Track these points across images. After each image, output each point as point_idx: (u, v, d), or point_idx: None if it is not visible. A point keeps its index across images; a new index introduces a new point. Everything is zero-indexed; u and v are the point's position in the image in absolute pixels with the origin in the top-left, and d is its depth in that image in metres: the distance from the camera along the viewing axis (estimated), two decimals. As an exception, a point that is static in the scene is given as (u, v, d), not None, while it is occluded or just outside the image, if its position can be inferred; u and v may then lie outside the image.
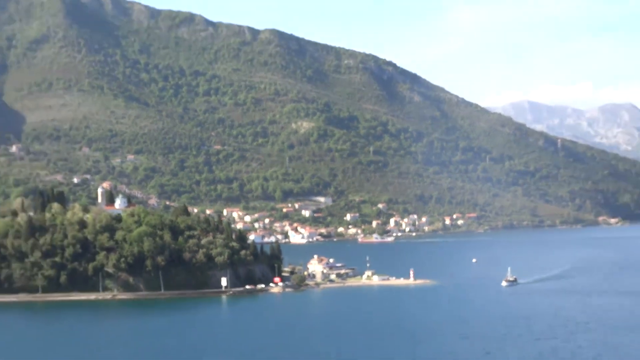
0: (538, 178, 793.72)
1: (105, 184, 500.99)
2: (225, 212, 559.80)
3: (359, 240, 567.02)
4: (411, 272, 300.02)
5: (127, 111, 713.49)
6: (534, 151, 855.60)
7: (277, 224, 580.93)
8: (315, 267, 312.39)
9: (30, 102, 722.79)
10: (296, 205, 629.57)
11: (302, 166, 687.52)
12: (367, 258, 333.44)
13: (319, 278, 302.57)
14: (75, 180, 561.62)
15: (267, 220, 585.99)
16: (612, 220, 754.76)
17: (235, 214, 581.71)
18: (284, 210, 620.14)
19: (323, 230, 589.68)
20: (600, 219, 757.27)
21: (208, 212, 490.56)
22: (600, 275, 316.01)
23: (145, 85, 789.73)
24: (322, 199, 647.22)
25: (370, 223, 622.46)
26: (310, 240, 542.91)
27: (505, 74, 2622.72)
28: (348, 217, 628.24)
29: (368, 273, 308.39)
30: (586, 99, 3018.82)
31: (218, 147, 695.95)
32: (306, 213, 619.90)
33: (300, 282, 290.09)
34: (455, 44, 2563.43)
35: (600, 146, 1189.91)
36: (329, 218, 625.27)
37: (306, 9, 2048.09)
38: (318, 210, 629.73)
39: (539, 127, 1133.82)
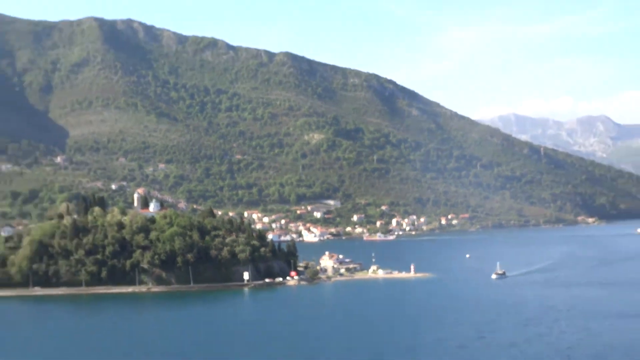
0: (523, 182, 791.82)
1: (140, 190, 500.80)
2: (245, 214, 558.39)
3: (365, 238, 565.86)
4: (412, 267, 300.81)
5: (158, 125, 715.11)
6: (520, 159, 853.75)
7: (292, 224, 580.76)
8: (326, 262, 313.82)
9: (72, 118, 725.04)
10: (309, 208, 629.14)
11: (314, 173, 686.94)
12: (373, 254, 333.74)
13: (330, 272, 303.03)
14: (113, 186, 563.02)
15: (283, 221, 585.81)
16: (590, 220, 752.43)
17: (254, 216, 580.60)
18: (298, 212, 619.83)
19: (333, 230, 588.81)
20: (579, 218, 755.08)
21: (231, 214, 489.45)
22: (580, 269, 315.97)
23: (174, 102, 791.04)
24: (331, 202, 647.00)
25: (375, 223, 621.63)
26: (322, 238, 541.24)
27: (493, 89, 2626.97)
28: (355, 217, 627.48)
29: (373, 267, 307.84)
30: (566, 112, 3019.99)
31: (239, 156, 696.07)
32: (317, 214, 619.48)
33: (313, 276, 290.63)
34: (448, 63, 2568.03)
35: (579, 154, 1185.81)
36: (337, 219, 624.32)
37: (316, 34, 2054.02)
38: (328, 212, 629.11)
39: (523, 137, 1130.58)
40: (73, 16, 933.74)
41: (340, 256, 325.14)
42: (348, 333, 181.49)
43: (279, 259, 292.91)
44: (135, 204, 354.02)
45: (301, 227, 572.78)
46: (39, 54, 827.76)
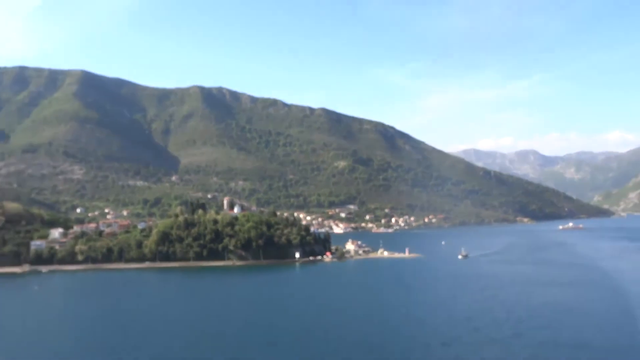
0: (480, 195, 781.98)
1: (227, 199, 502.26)
2: (295, 214, 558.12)
3: (373, 231, 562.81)
4: (407, 250, 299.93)
5: (238, 156, 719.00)
6: (477, 179, 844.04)
7: (325, 221, 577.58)
8: (350, 246, 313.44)
9: (183, 151, 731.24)
10: (336, 210, 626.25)
11: (340, 188, 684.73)
12: (380, 241, 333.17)
13: (352, 253, 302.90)
14: (209, 196, 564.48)
15: (319, 219, 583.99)
16: (525, 220, 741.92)
17: (301, 215, 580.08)
18: (330, 213, 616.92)
19: (352, 225, 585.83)
20: (518, 219, 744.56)
21: (285, 214, 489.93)
22: (519, 252, 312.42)
23: (248, 141, 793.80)
24: (352, 207, 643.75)
25: (380, 220, 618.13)
26: (345, 231, 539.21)
27: (459, 132, 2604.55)
28: (367, 217, 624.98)
29: (381, 250, 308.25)
30: (508, 147, 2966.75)
31: (291, 176, 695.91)
32: (342, 215, 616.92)
33: (341, 255, 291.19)
34: (430, 115, 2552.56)
35: (517, 175, 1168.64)
36: (356, 217, 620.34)
37: (342, 95, 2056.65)
38: (349, 213, 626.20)
39: (480, 164, 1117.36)
40: (183, 84, 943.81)
41: (359, 242, 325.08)
42: (366, 287, 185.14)
43: (318, 244, 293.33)
44: (225, 207, 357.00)
45: (332, 223, 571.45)
46: (162, 110, 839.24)
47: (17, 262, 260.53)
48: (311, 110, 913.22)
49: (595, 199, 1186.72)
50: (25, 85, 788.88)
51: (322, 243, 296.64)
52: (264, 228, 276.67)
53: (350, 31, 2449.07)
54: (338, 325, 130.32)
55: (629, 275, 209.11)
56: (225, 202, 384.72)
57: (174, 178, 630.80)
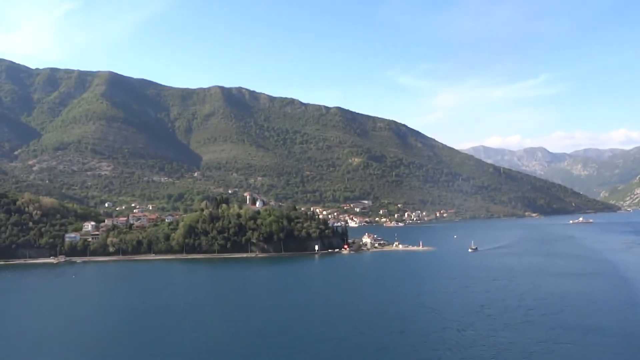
0: (489, 190, 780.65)
1: (247, 194, 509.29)
2: (312, 209, 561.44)
3: (385, 225, 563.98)
4: (420, 243, 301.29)
5: (257, 153, 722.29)
6: (487, 175, 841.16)
7: (341, 216, 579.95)
8: (366, 239, 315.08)
9: (205, 148, 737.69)
10: (351, 205, 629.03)
11: (355, 183, 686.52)
12: (396, 235, 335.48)
13: (368, 246, 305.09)
14: (230, 191, 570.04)
15: (335, 213, 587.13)
16: (534, 215, 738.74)
17: (317, 210, 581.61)
18: (345, 207, 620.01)
19: (367, 219, 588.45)
20: (526, 213, 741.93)
21: (303, 209, 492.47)
22: (528, 245, 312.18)
23: (267, 139, 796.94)
24: (366, 202, 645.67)
25: (393, 215, 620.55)
26: (360, 225, 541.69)
27: (469, 130, 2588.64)
28: (380, 211, 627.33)
29: (396, 243, 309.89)
30: (516, 144, 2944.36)
31: (308, 172, 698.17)
32: (357, 209, 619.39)
33: (358, 248, 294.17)
34: (441, 113, 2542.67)
35: (525, 172, 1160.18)
36: (370, 212, 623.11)
37: (356, 94, 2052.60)
38: (364, 208, 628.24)
39: (489, 161, 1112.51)
40: (205, 85, 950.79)
41: (375, 235, 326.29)
42: (383, 278, 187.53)
43: (336, 237, 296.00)
44: (247, 202, 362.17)
45: (347, 217, 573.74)
46: (184, 109, 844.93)
47: (53, 253, 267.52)
48: (327, 109, 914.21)
49: (602, 195, 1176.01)
50: (56, 87, 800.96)
51: (340, 236, 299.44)
52: (285, 222, 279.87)
53: (364, 34, 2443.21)
54: (359, 312, 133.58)
55: (636, 267, 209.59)
56: (248, 197, 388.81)
57: (196, 174, 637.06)
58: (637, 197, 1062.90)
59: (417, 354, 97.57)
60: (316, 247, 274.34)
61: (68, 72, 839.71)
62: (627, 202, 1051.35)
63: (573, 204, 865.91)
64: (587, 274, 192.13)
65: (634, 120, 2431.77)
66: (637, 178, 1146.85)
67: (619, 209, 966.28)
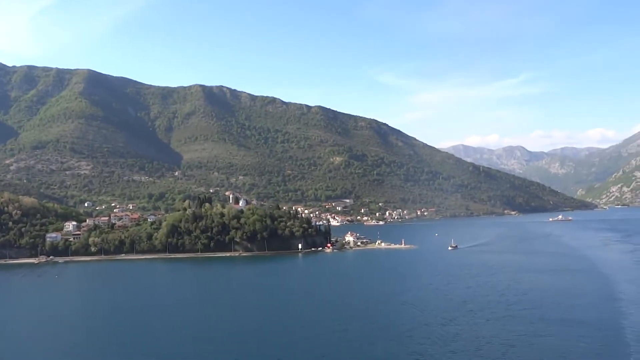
0: (469, 188, 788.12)
1: (229, 193, 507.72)
2: (294, 207, 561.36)
3: (366, 223, 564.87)
4: (402, 241, 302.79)
5: (238, 152, 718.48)
6: (466, 173, 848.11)
7: (322, 214, 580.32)
8: (349, 238, 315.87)
9: (185, 147, 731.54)
10: (333, 204, 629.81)
11: (336, 182, 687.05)
12: (378, 233, 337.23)
13: (352, 244, 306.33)
14: (211, 190, 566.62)
15: (317, 212, 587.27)
16: (512, 212, 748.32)
17: (300, 209, 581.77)
18: (327, 206, 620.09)
19: (348, 218, 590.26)
20: (505, 211, 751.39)
21: (285, 208, 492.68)
22: (507, 243, 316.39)
23: (248, 137, 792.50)
24: (347, 200, 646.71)
25: (375, 214, 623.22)
26: (342, 223, 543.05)
27: (449, 129, 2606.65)
28: (362, 210, 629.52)
29: (379, 241, 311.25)
30: (495, 143, 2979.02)
31: (289, 171, 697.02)
32: (339, 208, 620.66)
33: (341, 247, 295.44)
34: (421, 113, 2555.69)
35: (504, 170, 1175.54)
36: (351, 211, 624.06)
37: (338, 93, 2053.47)
38: (346, 207, 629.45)
39: (468, 160, 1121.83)
40: (186, 83, 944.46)
41: (357, 234, 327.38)
42: (366, 275, 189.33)
43: (319, 236, 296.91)
44: (230, 201, 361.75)
45: (329, 216, 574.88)
46: (165, 107, 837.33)
47: (34, 253, 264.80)
48: (308, 108, 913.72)
49: (579, 193, 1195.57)
50: (34, 84, 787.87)
51: (323, 235, 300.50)
52: (268, 221, 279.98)
53: (345, 33, 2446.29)
54: (344, 309, 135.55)
55: (612, 263, 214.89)
56: (231, 196, 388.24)
57: (176, 173, 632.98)
58: (612, 196, 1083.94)
59: (403, 348, 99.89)
60: (299, 246, 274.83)
61: (46, 69, 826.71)
62: (604, 200, 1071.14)
63: (551, 202, 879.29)
64: (566, 270, 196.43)
65: (610, 120, 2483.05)
66: (613, 176, 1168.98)
67: (596, 206, 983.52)
